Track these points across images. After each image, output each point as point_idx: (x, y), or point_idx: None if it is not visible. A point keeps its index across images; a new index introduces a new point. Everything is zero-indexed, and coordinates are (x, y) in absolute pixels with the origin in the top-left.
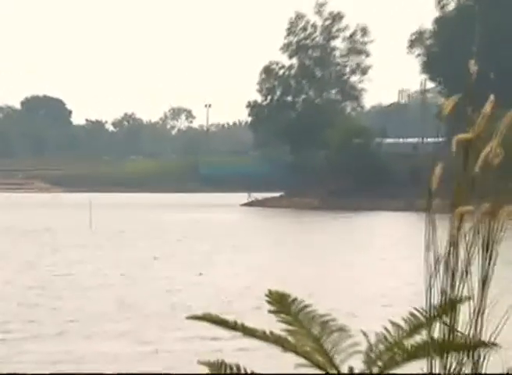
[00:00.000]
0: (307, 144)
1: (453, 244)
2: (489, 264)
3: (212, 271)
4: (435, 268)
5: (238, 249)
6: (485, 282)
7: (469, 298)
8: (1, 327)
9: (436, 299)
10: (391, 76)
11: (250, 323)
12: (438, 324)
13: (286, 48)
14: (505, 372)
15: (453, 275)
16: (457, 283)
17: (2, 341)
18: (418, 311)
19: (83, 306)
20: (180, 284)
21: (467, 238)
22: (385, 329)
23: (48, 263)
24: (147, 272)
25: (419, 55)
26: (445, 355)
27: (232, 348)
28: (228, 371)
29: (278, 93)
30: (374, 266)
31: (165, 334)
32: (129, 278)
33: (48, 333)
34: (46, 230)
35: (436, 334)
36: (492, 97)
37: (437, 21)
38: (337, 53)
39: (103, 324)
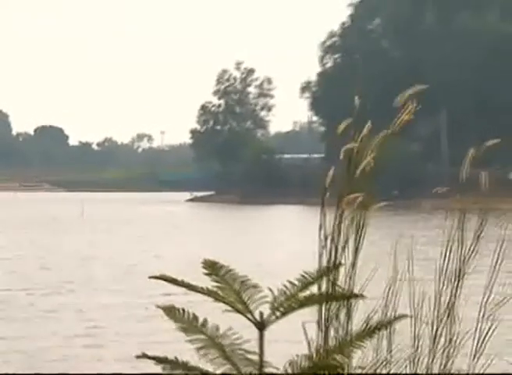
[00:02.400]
0: (230, 159)
1: (337, 226)
2: (360, 240)
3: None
4: (324, 242)
5: (179, 229)
6: (356, 252)
7: (343, 264)
8: None
9: (325, 263)
10: (289, 111)
11: (193, 282)
12: (325, 281)
13: (216, 92)
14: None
15: (336, 247)
16: (339, 252)
17: None
18: (308, 272)
19: None
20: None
21: (346, 222)
22: (284, 285)
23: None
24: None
25: (307, 97)
26: (328, 303)
27: (182, 301)
28: (178, 313)
29: (211, 123)
30: (278, 241)
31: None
32: None
33: None
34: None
35: (323, 288)
36: (369, 123)
37: (320, 74)
38: (251, 96)
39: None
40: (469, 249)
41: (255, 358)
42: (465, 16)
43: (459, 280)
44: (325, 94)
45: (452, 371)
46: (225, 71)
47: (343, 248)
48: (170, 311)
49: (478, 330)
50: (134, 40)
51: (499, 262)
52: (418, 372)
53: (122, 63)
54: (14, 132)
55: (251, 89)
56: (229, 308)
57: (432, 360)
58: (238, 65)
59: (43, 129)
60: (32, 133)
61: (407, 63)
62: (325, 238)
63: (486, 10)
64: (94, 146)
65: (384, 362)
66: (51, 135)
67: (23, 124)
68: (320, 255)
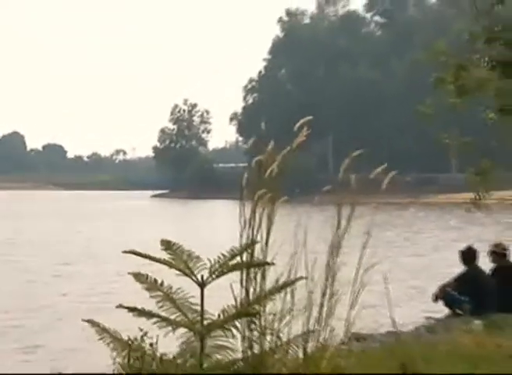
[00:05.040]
0: (181, 167)
1: (253, 215)
2: (270, 225)
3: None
4: (243, 227)
5: (142, 217)
6: (268, 233)
7: (259, 242)
8: None
9: (245, 242)
10: (222, 133)
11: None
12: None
13: (171, 120)
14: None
15: (253, 230)
16: (255, 234)
17: None
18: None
19: None
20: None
21: (259, 211)
22: (218, 257)
23: None
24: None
25: (235, 124)
26: (248, 269)
27: (149, 269)
28: (143, 277)
29: (167, 142)
30: (213, 225)
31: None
32: None
33: None
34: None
35: (244, 258)
36: (272, 142)
37: (243, 108)
38: (195, 123)
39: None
40: (344, 230)
41: (198, 308)
42: (344, 67)
43: (338, 252)
44: (246, 122)
45: (335, 315)
46: (176, 105)
47: (258, 230)
48: (137, 276)
49: (353, 288)
50: (112, 78)
51: (367, 240)
52: (310, 317)
53: (105, 93)
54: (28, 148)
55: (195, 118)
56: (179, 273)
57: (321, 308)
58: (185, 101)
59: (48, 145)
60: (41, 148)
61: (303, 101)
62: (244, 223)
63: (359, 63)
64: (85, 158)
65: (288, 310)
66: (54, 150)
67: (33, 142)
68: (241, 235)
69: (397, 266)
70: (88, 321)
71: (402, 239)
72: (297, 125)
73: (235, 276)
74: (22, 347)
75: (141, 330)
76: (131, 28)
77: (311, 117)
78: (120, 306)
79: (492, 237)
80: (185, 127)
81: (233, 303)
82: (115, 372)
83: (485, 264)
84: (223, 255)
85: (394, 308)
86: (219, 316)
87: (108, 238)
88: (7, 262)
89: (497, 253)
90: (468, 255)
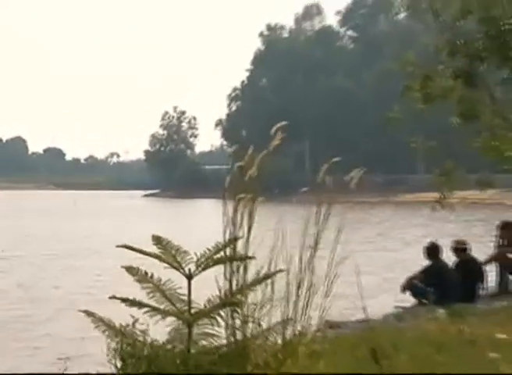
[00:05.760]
0: (170, 169)
1: (235, 213)
2: (251, 223)
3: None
4: (227, 224)
5: (135, 215)
6: (249, 230)
7: (241, 238)
8: None
9: (228, 238)
10: (209, 138)
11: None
12: (228, 249)
13: (161, 126)
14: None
15: (235, 226)
16: (238, 231)
17: None
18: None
19: None
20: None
21: (241, 210)
22: (203, 251)
23: None
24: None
25: (220, 129)
26: (231, 262)
27: (144, 263)
28: (138, 273)
29: (157, 146)
30: (200, 221)
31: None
32: None
33: None
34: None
35: (227, 253)
36: (251, 147)
37: (227, 115)
38: (183, 128)
39: None
40: (319, 226)
41: (185, 298)
42: (320, 77)
43: (315, 247)
44: (230, 127)
45: (311, 305)
46: (166, 112)
47: (240, 227)
48: (129, 269)
49: (327, 279)
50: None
51: (339, 236)
52: (289, 306)
53: (100, 100)
54: (30, 151)
55: (183, 124)
56: (169, 266)
57: (298, 298)
58: (175, 108)
59: (48, 149)
60: (41, 152)
61: (283, 108)
62: (227, 221)
63: (334, 73)
64: (82, 161)
65: (268, 300)
66: (54, 153)
67: (35, 146)
68: (224, 232)
69: (371, 259)
70: (85, 311)
71: (375, 235)
72: (273, 130)
73: (219, 269)
74: (28, 336)
75: (133, 318)
76: (127, 36)
77: (285, 122)
78: (113, 297)
79: (457, 233)
80: (174, 132)
81: (218, 294)
82: (110, 358)
83: (450, 258)
84: (208, 249)
85: (366, 299)
86: (205, 305)
87: (106, 234)
88: (11, 257)
89: (458, 249)
90: (432, 250)
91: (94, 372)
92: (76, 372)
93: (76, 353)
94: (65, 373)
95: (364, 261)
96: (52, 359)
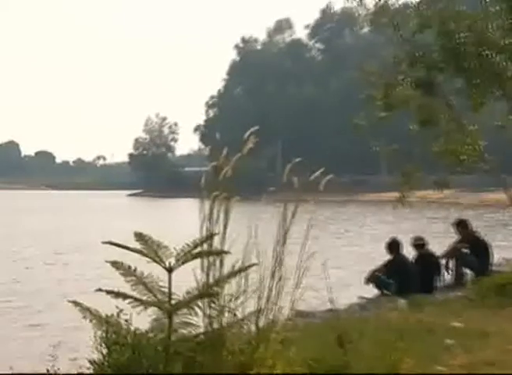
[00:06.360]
0: (152, 170)
1: (211, 210)
2: (226, 220)
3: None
4: (204, 221)
5: (120, 212)
6: (225, 226)
7: (217, 234)
8: None
9: (205, 234)
10: (187, 142)
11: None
12: (206, 244)
13: (144, 130)
14: (234, 264)
15: (212, 223)
16: (214, 228)
17: None
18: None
19: None
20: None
21: (216, 207)
22: (182, 247)
23: None
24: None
25: (198, 134)
26: (209, 256)
27: (130, 258)
28: (119, 265)
29: (141, 149)
30: (179, 218)
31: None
32: None
33: None
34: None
35: (205, 248)
36: (226, 149)
37: (205, 121)
38: (165, 133)
39: None
40: (289, 223)
41: (166, 290)
42: (291, 85)
43: (284, 241)
44: (208, 132)
45: (281, 294)
46: (149, 118)
47: (216, 224)
48: (114, 264)
49: (296, 272)
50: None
51: (308, 232)
52: (262, 297)
53: (88, 105)
54: (22, 154)
55: (165, 129)
56: (150, 260)
57: (270, 290)
58: (157, 114)
59: (40, 152)
60: (33, 155)
61: (256, 114)
62: (204, 218)
63: (303, 82)
64: (71, 163)
65: (242, 291)
66: (45, 156)
67: (27, 149)
68: (201, 228)
69: (341, 254)
70: (73, 302)
71: (344, 231)
72: (246, 134)
73: (197, 262)
74: (24, 325)
75: (118, 308)
76: (114, 45)
77: (258, 127)
78: (99, 290)
79: (418, 230)
80: (156, 137)
81: (196, 286)
82: (96, 345)
83: (410, 252)
84: (187, 244)
85: (336, 291)
86: (184, 296)
87: (94, 230)
88: (6, 252)
89: (416, 245)
90: (393, 246)
91: (83, 358)
92: (67, 358)
93: (67, 340)
94: (59, 373)
95: (334, 255)
96: (45, 346)
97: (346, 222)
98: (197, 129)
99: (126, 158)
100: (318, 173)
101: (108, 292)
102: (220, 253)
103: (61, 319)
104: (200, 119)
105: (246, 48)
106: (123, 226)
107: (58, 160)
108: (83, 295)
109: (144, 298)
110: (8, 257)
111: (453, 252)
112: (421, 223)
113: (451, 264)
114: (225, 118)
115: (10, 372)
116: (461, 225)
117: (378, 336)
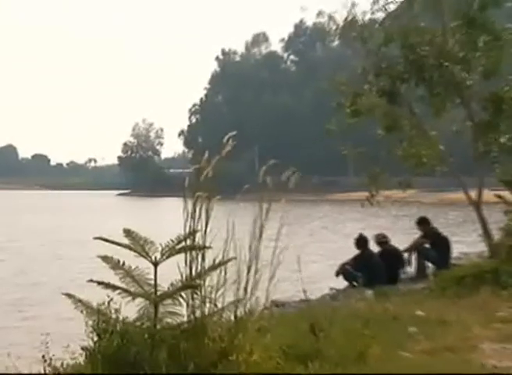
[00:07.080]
0: (140, 172)
1: (194, 208)
2: (208, 218)
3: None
4: (187, 218)
5: (111, 210)
6: (207, 223)
7: (199, 230)
8: None
9: (188, 230)
10: (173, 145)
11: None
12: (188, 240)
13: (132, 135)
14: (214, 258)
15: (194, 221)
16: (197, 225)
17: None
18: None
19: None
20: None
21: (199, 206)
22: (167, 242)
23: None
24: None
25: (182, 138)
26: (191, 251)
27: (121, 253)
28: (109, 259)
29: (129, 152)
30: (164, 216)
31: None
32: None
33: None
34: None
35: (188, 243)
36: (207, 152)
37: (188, 126)
38: (151, 137)
39: None
40: (263, 220)
41: (152, 282)
42: (267, 94)
43: (260, 237)
44: (191, 136)
45: (257, 286)
46: (137, 123)
47: (198, 221)
48: (105, 258)
49: (271, 265)
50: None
51: (281, 228)
52: (240, 288)
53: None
54: (20, 157)
55: (151, 133)
56: (138, 254)
57: (247, 282)
58: (144, 120)
59: (36, 155)
60: (30, 157)
61: (236, 120)
62: (187, 216)
63: (278, 91)
64: (65, 165)
65: (222, 283)
66: (40, 159)
67: (24, 152)
68: (185, 225)
69: (313, 249)
70: (66, 294)
71: (317, 228)
72: (225, 138)
73: (181, 257)
74: (23, 316)
75: (108, 297)
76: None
77: (236, 132)
78: (90, 281)
79: (387, 226)
80: (143, 141)
81: (180, 278)
82: (88, 333)
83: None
84: (172, 240)
85: (309, 283)
86: (169, 288)
87: (87, 227)
88: (6, 248)
89: (380, 242)
90: (360, 241)
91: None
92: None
93: (64, 329)
94: (60, 373)
95: (308, 250)
96: (40, 335)
97: (320, 219)
98: (180, 134)
99: (115, 161)
100: (288, 173)
101: (99, 283)
102: (202, 248)
103: (57, 311)
104: (184, 124)
105: (226, 60)
106: (115, 223)
107: (53, 162)
108: (79, 288)
109: (132, 289)
110: (9, 252)
111: (415, 247)
112: (387, 221)
113: (413, 258)
114: (206, 124)
115: (8, 364)
116: (423, 222)
117: (348, 324)
